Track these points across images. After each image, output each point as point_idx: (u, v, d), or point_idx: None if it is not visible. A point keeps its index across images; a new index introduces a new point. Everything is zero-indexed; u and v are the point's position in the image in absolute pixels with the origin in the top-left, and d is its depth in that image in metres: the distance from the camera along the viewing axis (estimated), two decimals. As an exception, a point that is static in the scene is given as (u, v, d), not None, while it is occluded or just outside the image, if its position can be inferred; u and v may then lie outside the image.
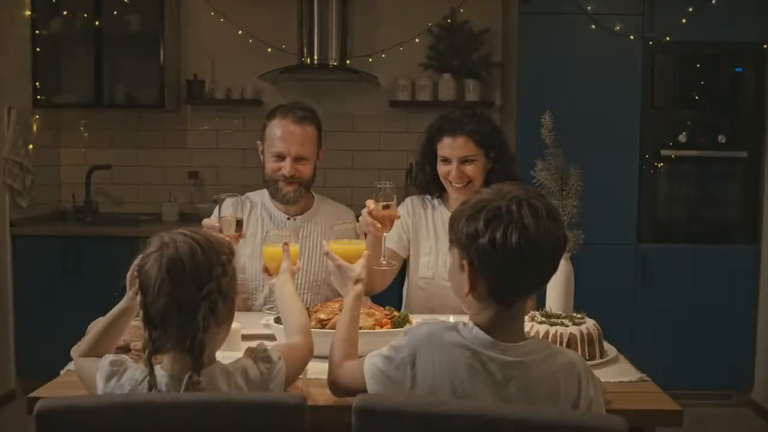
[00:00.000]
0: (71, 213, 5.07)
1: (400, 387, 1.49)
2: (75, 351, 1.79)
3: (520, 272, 1.44)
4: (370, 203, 2.40)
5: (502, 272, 1.44)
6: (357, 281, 1.97)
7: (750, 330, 4.54)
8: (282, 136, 2.72)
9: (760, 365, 4.50)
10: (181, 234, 1.53)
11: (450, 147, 2.69)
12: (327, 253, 2.08)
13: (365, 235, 2.48)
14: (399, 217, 2.51)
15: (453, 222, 1.53)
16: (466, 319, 1.56)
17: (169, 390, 1.47)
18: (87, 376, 1.65)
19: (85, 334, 1.83)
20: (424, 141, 2.81)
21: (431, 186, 2.85)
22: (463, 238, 1.47)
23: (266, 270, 2.16)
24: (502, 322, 1.49)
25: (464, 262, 1.48)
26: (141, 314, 1.49)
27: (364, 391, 1.53)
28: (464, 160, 2.69)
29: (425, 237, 2.86)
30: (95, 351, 1.70)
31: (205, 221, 2.42)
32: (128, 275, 1.66)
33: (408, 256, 2.90)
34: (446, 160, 2.72)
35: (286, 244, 2.08)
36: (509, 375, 1.45)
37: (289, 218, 2.86)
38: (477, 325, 1.49)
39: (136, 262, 1.53)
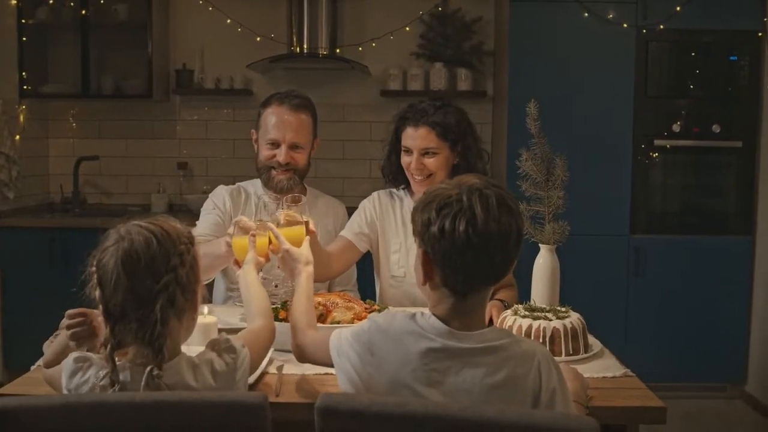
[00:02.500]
0: (59, 204, 5.02)
1: (361, 371, 1.50)
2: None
3: (469, 261, 1.44)
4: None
5: (451, 261, 1.44)
6: (308, 263, 2.01)
7: (744, 322, 4.49)
8: (277, 123, 2.70)
9: (755, 357, 4.46)
10: (137, 225, 1.50)
11: (412, 137, 2.61)
12: (278, 237, 2.06)
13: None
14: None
15: (413, 211, 1.54)
16: None
17: (129, 384, 1.44)
18: (56, 382, 1.61)
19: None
20: (391, 129, 2.74)
21: (398, 177, 2.77)
22: (419, 227, 1.50)
23: (236, 263, 2.10)
24: (458, 314, 1.49)
25: (420, 251, 1.51)
26: (101, 309, 1.47)
27: (329, 361, 1.60)
28: (425, 152, 2.61)
29: (394, 234, 2.79)
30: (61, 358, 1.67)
31: (242, 219, 2.19)
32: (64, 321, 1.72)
33: (372, 252, 2.83)
34: (408, 151, 2.64)
35: (253, 235, 2.06)
36: (464, 362, 1.45)
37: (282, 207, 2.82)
38: (434, 315, 1.50)
39: (93, 255, 1.50)
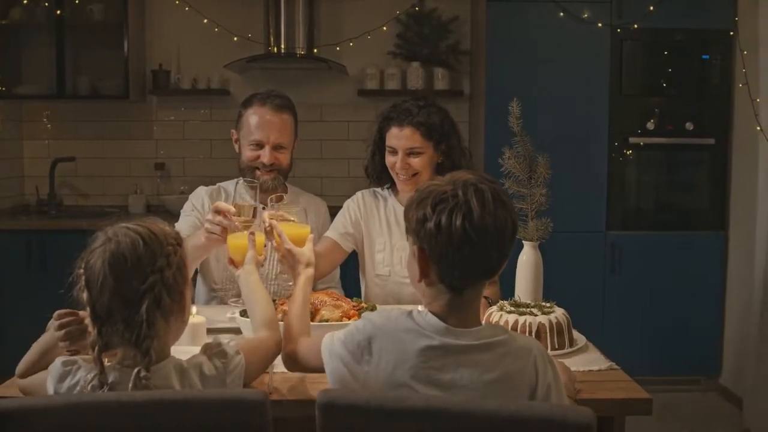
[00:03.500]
0: (35, 206, 4.98)
1: (356, 370, 1.50)
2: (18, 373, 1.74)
3: (466, 256, 1.44)
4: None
5: (448, 256, 1.44)
6: (308, 264, 2.00)
7: (719, 316, 4.58)
8: (260, 124, 2.71)
9: (728, 351, 4.54)
10: (124, 227, 1.51)
11: (397, 137, 2.64)
12: (280, 235, 2.05)
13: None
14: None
15: (406, 209, 1.54)
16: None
17: (118, 386, 1.44)
18: (35, 388, 1.61)
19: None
20: (375, 130, 2.77)
21: (382, 176, 2.80)
22: (413, 224, 1.50)
23: (232, 262, 2.10)
24: (455, 310, 1.50)
25: (415, 248, 1.51)
26: (88, 311, 1.47)
27: (321, 368, 1.59)
28: (410, 152, 2.64)
29: (378, 234, 2.81)
30: (38, 368, 1.67)
31: (219, 204, 2.26)
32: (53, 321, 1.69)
33: (357, 252, 2.86)
34: (393, 151, 2.67)
35: (252, 233, 2.04)
36: (462, 359, 1.45)
37: (263, 207, 2.82)
38: (431, 312, 1.51)
39: (81, 257, 1.50)
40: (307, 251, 2.03)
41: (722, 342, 4.58)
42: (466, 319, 1.50)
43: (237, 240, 2.09)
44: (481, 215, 1.43)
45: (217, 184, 2.90)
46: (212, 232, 2.29)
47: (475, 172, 1.53)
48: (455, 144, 2.71)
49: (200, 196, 2.82)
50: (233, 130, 2.82)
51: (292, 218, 2.20)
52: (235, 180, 2.84)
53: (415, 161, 2.65)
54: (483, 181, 1.48)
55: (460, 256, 1.44)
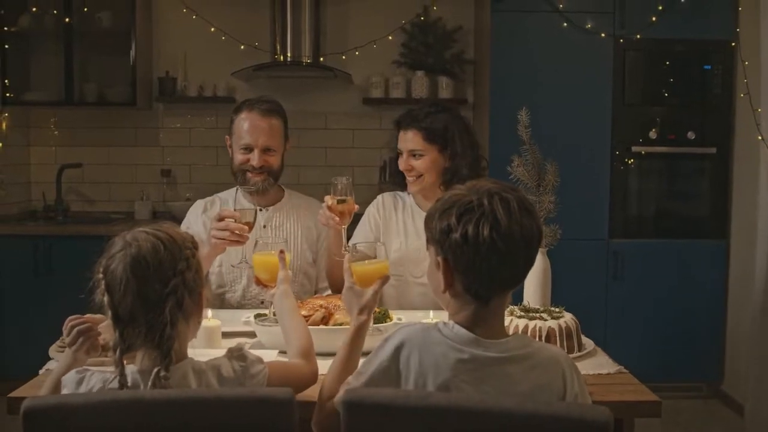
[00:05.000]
0: (42, 212, 5.00)
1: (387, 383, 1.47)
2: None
3: (494, 266, 1.43)
4: (328, 198, 2.50)
5: (475, 267, 1.43)
6: (362, 310, 1.78)
7: (720, 322, 4.61)
8: (249, 129, 2.79)
9: (730, 357, 4.58)
10: (143, 232, 1.54)
11: (402, 140, 2.78)
12: (345, 270, 1.90)
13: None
14: (356, 208, 2.57)
15: (428, 219, 1.53)
16: (444, 314, 1.56)
17: (135, 388, 1.47)
18: None
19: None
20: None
21: (400, 178, 2.89)
22: (437, 235, 1.48)
23: (258, 281, 2.11)
24: (481, 320, 1.49)
25: (439, 259, 1.49)
26: (110, 314, 1.50)
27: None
28: (413, 154, 2.75)
29: (396, 235, 2.88)
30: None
31: (223, 210, 2.51)
32: (66, 326, 1.71)
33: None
34: (400, 153, 2.81)
35: (282, 252, 2.02)
36: (492, 372, 1.44)
37: (260, 209, 2.88)
38: (457, 323, 1.49)
39: (100, 262, 1.53)
40: (369, 293, 1.80)
41: (724, 349, 4.62)
42: (493, 329, 1.49)
43: (264, 258, 2.06)
44: (508, 225, 1.42)
45: (214, 195, 3.00)
46: (220, 238, 2.40)
47: (495, 180, 1.53)
48: (460, 150, 2.76)
49: (197, 209, 2.93)
50: (227, 136, 2.91)
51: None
52: (235, 188, 2.95)
53: (417, 163, 2.75)
54: (507, 189, 1.48)
55: (487, 266, 1.43)
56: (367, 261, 2.01)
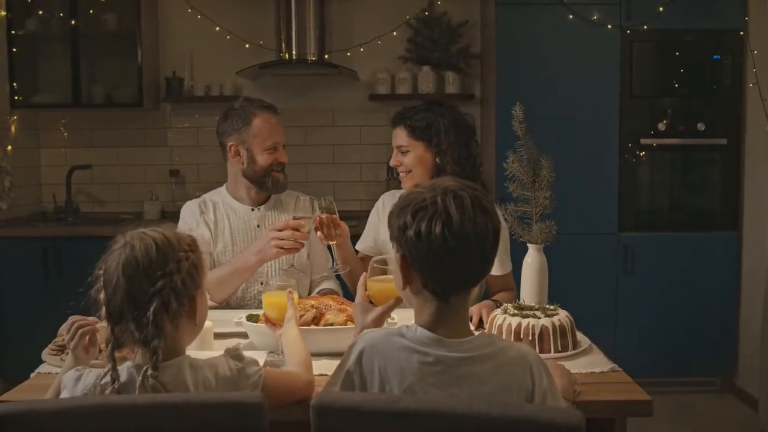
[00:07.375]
0: (52, 214, 5.04)
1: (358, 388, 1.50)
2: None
3: (448, 263, 1.44)
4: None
5: (430, 263, 1.45)
6: (362, 330, 1.82)
7: (733, 316, 4.55)
8: (271, 129, 2.85)
9: (744, 351, 4.51)
10: (142, 232, 1.58)
11: (393, 137, 2.83)
12: (360, 285, 2.00)
13: None
14: (342, 225, 2.64)
15: (389, 217, 1.55)
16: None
17: (128, 382, 1.50)
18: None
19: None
20: None
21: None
22: (395, 232, 1.51)
23: (267, 319, 2.11)
24: (443, 318, 1.49)
25: (398, 256, 1.51)
26: (103, 310, 1.55)
27: None
28: (401, 151, 2.79)
29: None
30: None
31: (288, 221, 2.63)
32: (64, 329, 1.77)
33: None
34: (393, 149, 2.85)
35: (290, 292, 2.05)
36: (459, 373, 1.44)
37: (252, 209, 2.92)
38: (420, 325, 1.50)
39: (102, 259, 1.57)
40: (374, 313, 1.90)
41: (738, 343, 4.56)
42: (456, 329, 1.50)
43: (273, 298, 2.08)
44: (460, 222, 1.43)
45: (201, 197, 2.99)
46: (281, 248, 2.57)
47: (457, 179, 1.53)
48: (445, 146, 2.73)
49: (194, 212, 2.91)
50: (232, 143, 2.85)
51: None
52: (222, 188, 2.98)
53: (404, 159, 2.77)
54: (464, 187, 1.48)
55: (441, 264, 1.44)
56: (383, 276, 2.02)
